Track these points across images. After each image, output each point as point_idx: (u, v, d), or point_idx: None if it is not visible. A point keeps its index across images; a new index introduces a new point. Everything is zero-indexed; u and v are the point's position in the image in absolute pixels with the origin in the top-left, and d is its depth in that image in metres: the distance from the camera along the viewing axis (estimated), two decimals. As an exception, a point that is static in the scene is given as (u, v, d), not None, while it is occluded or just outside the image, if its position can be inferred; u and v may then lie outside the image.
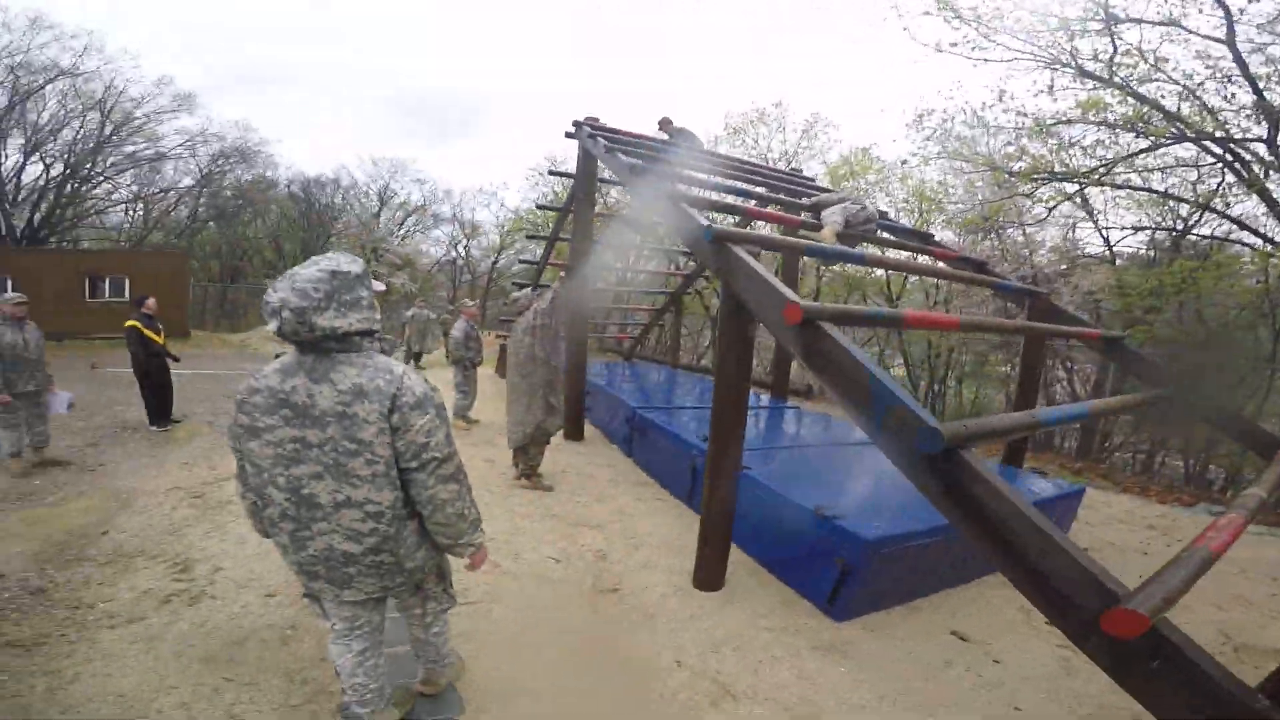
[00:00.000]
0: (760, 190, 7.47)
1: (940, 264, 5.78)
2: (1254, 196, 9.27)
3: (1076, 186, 10.65)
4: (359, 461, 1.70)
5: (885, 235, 5.70)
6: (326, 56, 48.72)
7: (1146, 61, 9.14)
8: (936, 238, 7.07)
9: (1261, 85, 8.65)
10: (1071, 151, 10.45)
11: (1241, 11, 8.44)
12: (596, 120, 6.81)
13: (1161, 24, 8.82)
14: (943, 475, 1.84)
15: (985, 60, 10.21)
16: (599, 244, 7.14)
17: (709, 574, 3.49)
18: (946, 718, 2.50)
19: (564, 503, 5.01)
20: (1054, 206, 11.59)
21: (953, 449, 1.80)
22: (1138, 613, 1.39)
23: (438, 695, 2.36)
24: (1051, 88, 10.11)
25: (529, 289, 5.54)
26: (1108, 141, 10.10)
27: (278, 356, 1.81)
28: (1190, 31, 8.74)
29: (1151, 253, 13.09)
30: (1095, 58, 9.58)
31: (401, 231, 28.22)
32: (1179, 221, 11.86)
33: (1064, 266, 13.13)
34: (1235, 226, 10.41)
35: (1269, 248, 8.99)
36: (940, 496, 1.85)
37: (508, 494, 5.15)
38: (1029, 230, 13.44)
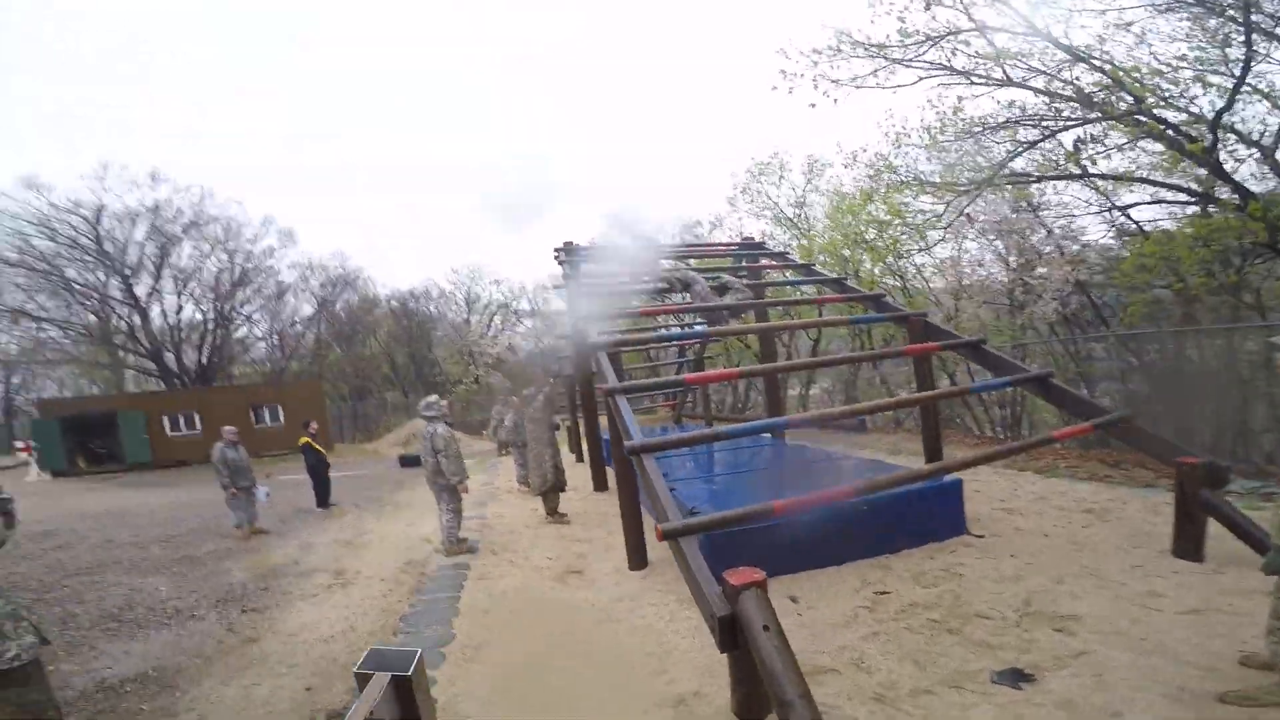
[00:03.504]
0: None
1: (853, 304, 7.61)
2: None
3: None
4: (430, 448, 6.28)
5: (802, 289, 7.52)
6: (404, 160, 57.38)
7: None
8: (850, 280, 8.77)
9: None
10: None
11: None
12: (572, 243, 9.19)
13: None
14: (635, 464, 3.93)
15: (898, 87, 10.11)
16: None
17: (632, 559, 5.51)
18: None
19: (573, 531, 7.21)
20: (951, 216, 11.81)
21: (634, 451, 3.91)
22: (660, 528, 3.37)
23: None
24: (959, 99, 9.99)
25: (532, 388, 8.03)
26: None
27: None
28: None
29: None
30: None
31: (491, 332, 32.30)
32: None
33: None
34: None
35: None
36: (639, 474, 3.94)
37: (538, 527, 7.45)
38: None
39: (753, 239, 11.32)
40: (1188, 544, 4.30)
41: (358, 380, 30.44)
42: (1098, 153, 9.68)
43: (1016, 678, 3.04)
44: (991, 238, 13.95)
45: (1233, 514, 4.06)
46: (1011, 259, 13.52)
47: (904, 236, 13.24)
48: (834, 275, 8.79)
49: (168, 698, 3.49)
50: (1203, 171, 8.95)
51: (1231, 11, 7.67)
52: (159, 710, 3.35)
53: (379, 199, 59.03)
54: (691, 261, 10.95)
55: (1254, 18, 7.53)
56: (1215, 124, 8.05)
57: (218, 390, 23.72)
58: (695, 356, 13.87)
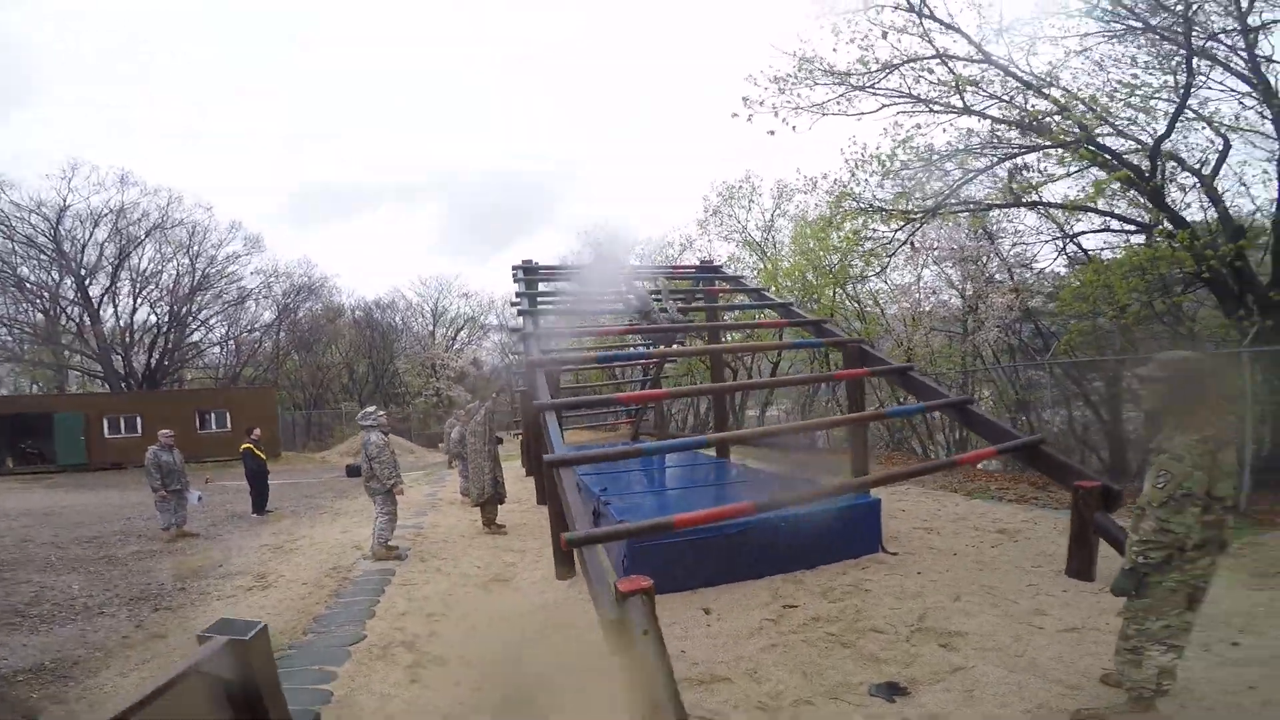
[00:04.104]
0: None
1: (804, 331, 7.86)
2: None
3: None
4: (365, 455, 6.38)
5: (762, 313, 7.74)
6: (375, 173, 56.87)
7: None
8: (795, 304, 9.03)
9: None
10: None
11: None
12: (531, 261, 9.35)
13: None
14: (554, 476, 4.08)
15: (861, 114, 9.95)
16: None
17: (560, 568, 5.59)
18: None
19: (508, 541, 7.25)
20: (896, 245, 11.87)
21: (553, 465, 4.06)
22: (564, 537, 3.50)
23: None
24: (919, 127, 9.72)
25: (476, 402, 8.12)
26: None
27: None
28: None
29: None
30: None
31: (456, 345, 32.10)
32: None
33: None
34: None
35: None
36: (554, 487, 4.09)
37: (473, 537, 7.47)
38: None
39: (710, 262, 11.63)
40: (1080, 564, 4.47)
41: (315, 389, 29.82)
42: (1041, 182, 9.68)
43: (892, 691, 3.18)
44: (947, 265, 14.16)
45: (1119, 535, 4.08)
46: (966, 286, 13.70)
47: (857, 262, 13.48)
48: (782, 300, 9.05)
49: (60, 687, 3.46)
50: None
51: (1171, 33, 7.56)
52: (49, 697, 3.32)
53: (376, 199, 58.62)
54: (661, 281, 11.07)
55: (1195, 42, 7.38)
56: (1156, 151, 7.99)
57: (162, 394, 23.06)
58: (653, 376, 14.11)
